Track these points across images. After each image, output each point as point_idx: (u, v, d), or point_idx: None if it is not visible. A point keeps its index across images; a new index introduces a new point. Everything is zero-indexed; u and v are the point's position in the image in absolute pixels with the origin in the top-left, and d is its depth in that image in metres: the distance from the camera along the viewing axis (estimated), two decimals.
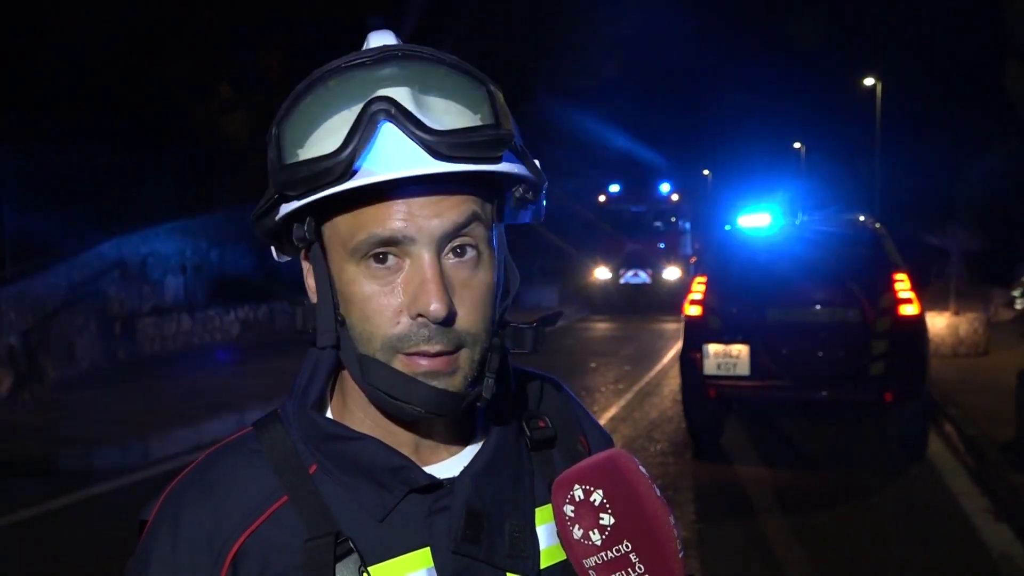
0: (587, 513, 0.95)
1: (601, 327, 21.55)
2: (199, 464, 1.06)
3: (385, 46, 0.97)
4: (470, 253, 0.97)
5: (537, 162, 1.02)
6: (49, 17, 14.77)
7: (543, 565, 1.04)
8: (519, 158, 1.00)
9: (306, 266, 1.04)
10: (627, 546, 0.93)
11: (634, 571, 0.93)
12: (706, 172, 52.54)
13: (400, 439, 1.04)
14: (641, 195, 28.18)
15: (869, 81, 34.30)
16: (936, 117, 31.41)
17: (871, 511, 6.86)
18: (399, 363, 0.96)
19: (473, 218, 0.97)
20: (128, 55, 15.96)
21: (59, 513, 6.84)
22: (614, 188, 28.39)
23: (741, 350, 8.14)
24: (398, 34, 1.02)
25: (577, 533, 0.95)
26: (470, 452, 1.07)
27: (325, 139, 0.93)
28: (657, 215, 27.64)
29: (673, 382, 11.61)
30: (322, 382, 1.07)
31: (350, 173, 0.91)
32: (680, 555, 0.94)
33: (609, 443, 1.20)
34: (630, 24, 25.06)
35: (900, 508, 6.95)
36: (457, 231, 0.96)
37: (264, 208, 1.00)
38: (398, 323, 0.95)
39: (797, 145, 50.56)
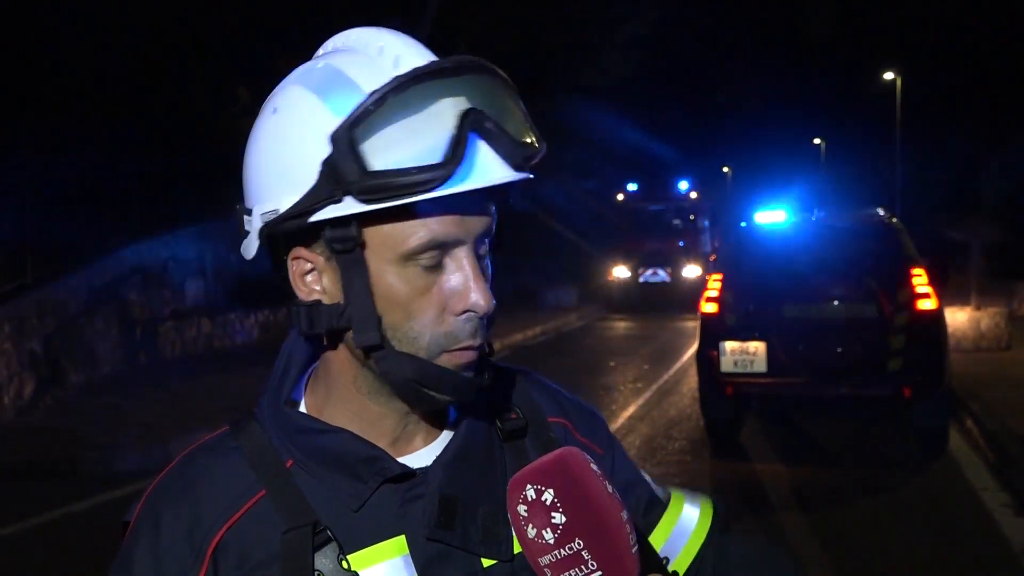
0: (539, 512, 0.96)
1: (620, 326, 21.53)
2: (177, 463, 1.09)
3: (461, 56, 0.98)
4: (488, 249, 1.04)
5: None
6: (69, 25, 14.90)
7: (516, 551, 1.06)
8: None
9: (306, 265, 1.02)
10: (579, 543, 0.94)
11: (587, 568, 0.95)
12: (726, 169, 52.36)
13: (380, 431, 1.06)
14: (660, 193, 28.06)
15: (889, 75, 34.11)
16: (957, 111, 31.21)
17: (891, 507, 6.83)
18: (444, 359, 1.01)
19: (495, 217, 1.03)
20: (147, 60, 16.08)
21: (81, 516, 6.90)
22: (632, 187, 28.29)
23: (758, 347, 8.12)
24: (416, 35, 1.03)
25: (531, 532, 0.97)
26: (442, 442, 1.10)
27: (397, 145, 0.93)
28: (676, 213, 27.52)
29: (692, 380, 11.58)
30: (294, 378, 1.12)
31: (443, 181, 0.94)
32: (633, 549, 0.95)
33: (594, 417, 1.24)
34: (648, 22, 24.98)
35: (920, 504, 6.91)
36: (491, 230, 1.03)
37: (301, 209, 0.97)
38: (443, 321, 1.00)
39: (817, 141, 50.36)
